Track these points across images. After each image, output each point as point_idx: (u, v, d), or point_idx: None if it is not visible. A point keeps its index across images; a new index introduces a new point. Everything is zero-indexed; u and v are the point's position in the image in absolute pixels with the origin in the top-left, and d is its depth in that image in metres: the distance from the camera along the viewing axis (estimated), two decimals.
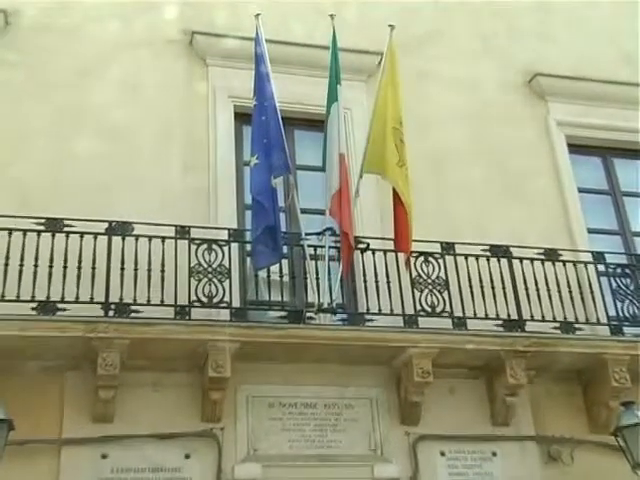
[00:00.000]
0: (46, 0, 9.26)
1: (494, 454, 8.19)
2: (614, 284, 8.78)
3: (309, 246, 8.10)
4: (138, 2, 9.52)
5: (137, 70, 9.29)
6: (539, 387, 8.47)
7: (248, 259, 8.36)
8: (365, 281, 8.20)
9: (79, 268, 7.47)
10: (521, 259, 8.59)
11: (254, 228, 7.72)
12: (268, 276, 7.96)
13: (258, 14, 8.45)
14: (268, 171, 7.73)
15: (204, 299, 7.67)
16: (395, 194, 8.07)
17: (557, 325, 8.43)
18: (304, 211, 8.34)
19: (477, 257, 8.49)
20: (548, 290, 8.51)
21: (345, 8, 9.73)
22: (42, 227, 7.57)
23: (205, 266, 7.76)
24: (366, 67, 9.79)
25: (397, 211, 8.07)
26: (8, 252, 7.40)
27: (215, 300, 7.69)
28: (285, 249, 8.14)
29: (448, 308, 8.21)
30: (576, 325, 8.45)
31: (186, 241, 7.85)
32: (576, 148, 10.16)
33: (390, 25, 8.65)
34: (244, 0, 9.34)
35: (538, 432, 8.34)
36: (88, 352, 7.33)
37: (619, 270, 8.85)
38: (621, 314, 8.65)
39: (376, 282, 8.15)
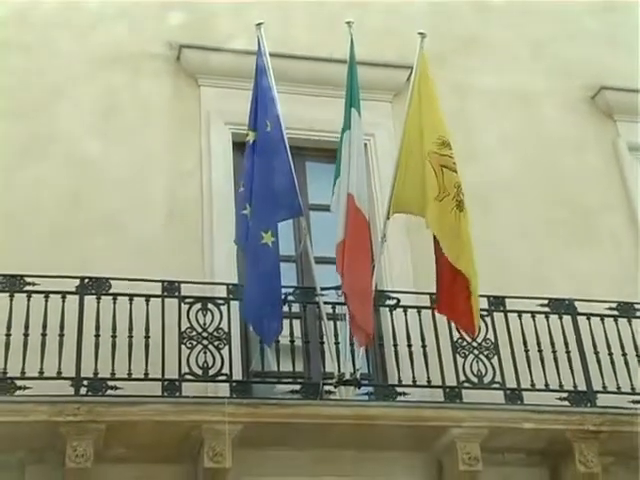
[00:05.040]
0: (3, 15, 9.45)
1: None
2: None
3: (326, 303, 8.08)
4: (114, 11, 9.65)
5: (113, 92, 9.36)
6: (617, 477, 8.27)
7: None
8: (395, 345, 8.17)
9: (43, 335, 7.42)
10: (589, 316, 8.53)
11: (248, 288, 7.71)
12: (277, 341, 7.90)
13: (260, 23, 8.51)
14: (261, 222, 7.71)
15: (198, 371, 7.64)
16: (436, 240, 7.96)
17: (638, 398, 8.32)
18: (319, 260, 8.32)
19: (534, 314, 8.44)
20: (624, 354, 8.43)
21: (366, 14, 9.89)
22: None
23: (199, 330, 7.75)
24: (392, 84, 9.94)
25: (440, 262, 7.92)
26: None
27: (211, 372, 7.65)
28: (297, 307, 8.17)
29: (499, 378, 8.14)
30: None
31: (175, 300, 7.84)
32: None
33: (420, 33, 8.70)
34: (242, 6, 9.54)
35: None
36: (54, 441, 7.23)
37: None
38: None
39: (409, 347, 8.12)
